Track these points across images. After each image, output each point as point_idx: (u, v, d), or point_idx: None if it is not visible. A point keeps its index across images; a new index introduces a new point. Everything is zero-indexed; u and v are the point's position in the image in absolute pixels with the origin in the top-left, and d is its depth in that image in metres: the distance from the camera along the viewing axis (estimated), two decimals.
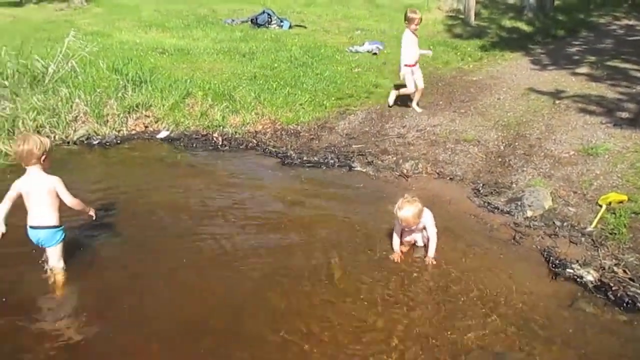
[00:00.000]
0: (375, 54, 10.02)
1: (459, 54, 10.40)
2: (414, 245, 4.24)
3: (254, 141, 6.63)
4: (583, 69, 9.36)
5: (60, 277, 3.80)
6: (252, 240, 4.35)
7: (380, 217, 4.59)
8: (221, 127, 6.92)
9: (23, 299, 3.64)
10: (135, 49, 9.81)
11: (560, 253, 4.13)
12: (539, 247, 4.26)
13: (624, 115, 6.86)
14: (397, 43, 11.09)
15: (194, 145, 6.56)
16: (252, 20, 12.44)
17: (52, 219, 3.73)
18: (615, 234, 4.26)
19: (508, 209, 4.82)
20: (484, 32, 12.22)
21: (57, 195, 3.72)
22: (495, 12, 14.48)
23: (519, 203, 4.82)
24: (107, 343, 3.25)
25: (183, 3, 16.81)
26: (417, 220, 3.97)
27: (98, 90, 7.16)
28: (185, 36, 11.33)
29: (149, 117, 7.15)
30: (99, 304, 3.59)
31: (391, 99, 7.40)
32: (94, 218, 4.07)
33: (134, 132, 6.94)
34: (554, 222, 4.55)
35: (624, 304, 3.55)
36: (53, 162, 3.86)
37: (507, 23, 12.99)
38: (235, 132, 6.80)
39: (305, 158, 6.11)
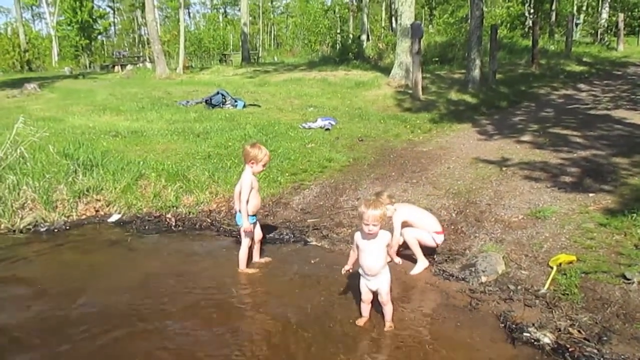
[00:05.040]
0: (328, 129, 10.27)
1: (408, 126, 10.76)
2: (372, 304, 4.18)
3: (208, 220, 6.57)
4: (527, 137, 9.78)
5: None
6: (205, 330, 4.20)
7: (337, 290, 4.54)
8: (174, 208, 6.84)
9: None
10: (87, 132, 9.78)
11: (516, 317, 4.13)
12: (495, 312, 4.25)
13: (568, 179, 7.13)
14: (348, 118, 11.53)
15: (146, 227, 6.44)
16: (206, 101, 12.68)
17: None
18: (568, 294, 4.30)
19: (463, 276, 4.84)
20: (432, 105, 12.76)
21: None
22: (442, 86, 15.19)
23: (473, 269, 4.85)
24: None
25: (138, 87, 17.10)
26: (383, 218, 3.99)
27: (47, 176, 7.04)
28: (139, 118, 11.40)
29: (99, 200, 7.03)
30: None
31: None
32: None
33: (84, 216, 6.77)
34: (508, 286, 4.58)
35: None
36: None
37: (454, 96, 13.62)
38: (189, 212, 6.74)
39: None
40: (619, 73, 18.91)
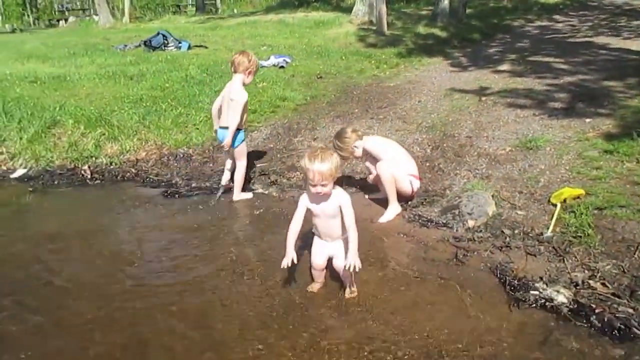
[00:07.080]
0: (282, 67, 9.03)
1: (373, 62, 9.59)
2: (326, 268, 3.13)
3: (133, 170, 5.41)
4: (505, 67, 8.77)
5: None
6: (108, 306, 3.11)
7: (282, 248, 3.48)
8: (93, 159, 5.64)
9: None
10: (1, 79, 8.34)
11: (518, 270, 3.14)
12: (489, 264, 3.25)
13: (557, 105, 6.16)
14: (306, 56, 10.27)
15: (56, 182, 5.25)
16: (144, 43, 11.15)
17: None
18: (581, 237, 3.33)
19: (444, 221, 3.82)
20: (399, 40, 11.56)
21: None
22: (409, 22, 13.96)
23: (457, 212, 3.83)
24: None
25: (77, 36, 15.42)
26: (334, 174, 2.83)
27: None
28: (67, 64, 9.88)
29: (2, 154, 5.78)
30: None
31: None
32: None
33: None
34: (502, 231, 3.59)
35: (616, 331, 2.57)
36: None
37: (422, 30, 12.44)
38: (110, 163, 5.54)
39: (194, 185, 4.95)
40: (594, 4, 17.98)
